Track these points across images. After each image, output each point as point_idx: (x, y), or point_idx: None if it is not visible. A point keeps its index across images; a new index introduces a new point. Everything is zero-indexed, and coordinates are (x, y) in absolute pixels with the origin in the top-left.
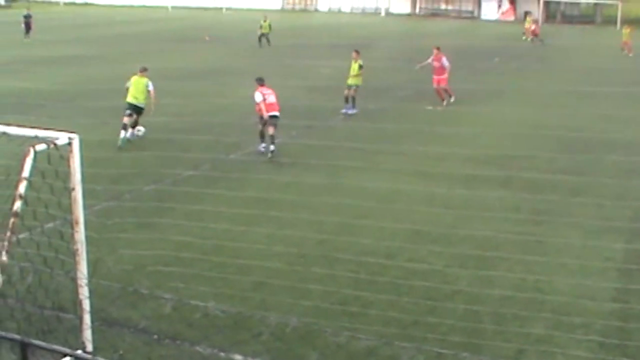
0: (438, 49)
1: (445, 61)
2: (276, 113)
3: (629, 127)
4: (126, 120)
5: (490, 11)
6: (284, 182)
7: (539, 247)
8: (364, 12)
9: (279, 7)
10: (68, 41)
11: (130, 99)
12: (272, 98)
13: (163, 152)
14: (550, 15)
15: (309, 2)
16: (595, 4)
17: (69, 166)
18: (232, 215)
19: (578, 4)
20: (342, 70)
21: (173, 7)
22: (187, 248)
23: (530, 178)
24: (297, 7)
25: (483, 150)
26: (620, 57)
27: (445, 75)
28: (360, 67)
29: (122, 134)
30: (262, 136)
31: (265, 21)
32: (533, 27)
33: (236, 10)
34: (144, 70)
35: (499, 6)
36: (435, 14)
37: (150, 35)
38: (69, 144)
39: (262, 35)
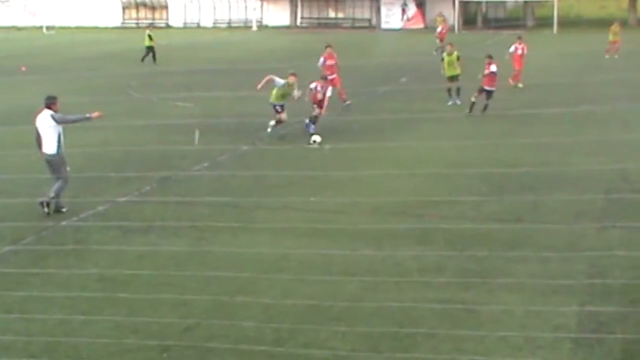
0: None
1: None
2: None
3: (575, 158)
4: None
5: (392, 19)
6: (136, 253)
7: (470, 318)
8: (230, 26)
9: (118, 23)
10: None
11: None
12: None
13: None
14: (468, 19)
15: (157, 16)
16: (525, 3)
17: None
18: (68, 302)
19: (504, 3)
20: (205, 103)
21: None
22: (6, 351)
23: (454, 230)
24: (143, 22)
25: (393, 197)
26: (561, 70)
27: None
28: (458, 57)
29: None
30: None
31: (150, 31)
32: (439, 29)
33: (61, 29)
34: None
35: (404, 11)
36: (322, 25)
37: None
38: None
39: (150, 48)
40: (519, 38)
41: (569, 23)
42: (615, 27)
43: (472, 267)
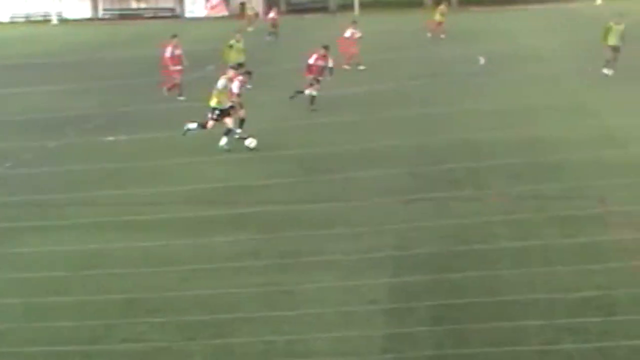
0: None
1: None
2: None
3: (379, 135)
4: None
5: (196, 7)
6: None
7: (287, 299)
8: (28, 20)
9: None
10: None
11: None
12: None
13: None
14: (271, 4)
15: None
16: None
17: None
18: None
19: None
20: (6, 100)
21: None
22: None
23: (267, 213)
24: None
25: (204, 184)
26: (365, 50)
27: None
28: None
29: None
30: None
31: None
32: (272, 14)
33: None
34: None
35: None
36: (125, 16)
37: None
38: None
39: None
40: (354, 22)
41: (370, 5)
42: (443, 8)
43: (287, 249)
